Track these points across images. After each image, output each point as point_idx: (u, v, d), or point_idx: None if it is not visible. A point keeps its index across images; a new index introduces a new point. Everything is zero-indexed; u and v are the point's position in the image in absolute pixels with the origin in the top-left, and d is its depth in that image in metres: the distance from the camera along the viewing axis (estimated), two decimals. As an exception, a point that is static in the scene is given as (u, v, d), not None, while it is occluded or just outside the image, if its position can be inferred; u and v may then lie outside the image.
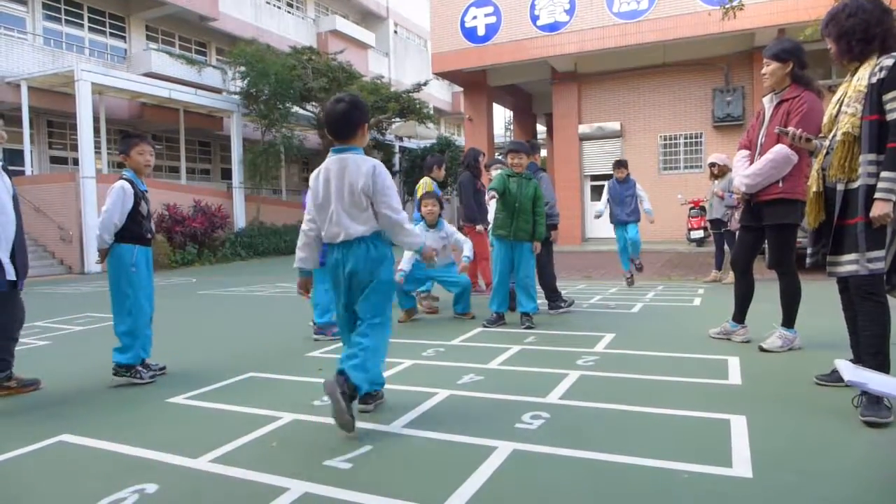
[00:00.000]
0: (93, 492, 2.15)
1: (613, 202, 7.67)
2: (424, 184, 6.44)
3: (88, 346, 5.07)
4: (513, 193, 4.98)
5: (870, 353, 2.77)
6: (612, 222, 7.79)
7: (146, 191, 3.89)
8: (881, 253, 2.67)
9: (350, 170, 2.79)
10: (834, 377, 3.02)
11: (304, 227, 2.99)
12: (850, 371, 2.15)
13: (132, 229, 3.75)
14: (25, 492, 2.22)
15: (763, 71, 3.77)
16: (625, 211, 7.62)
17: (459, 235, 5.39)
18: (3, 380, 3.54)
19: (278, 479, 2.18)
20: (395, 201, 2.85)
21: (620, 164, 7.70)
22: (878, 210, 2.59)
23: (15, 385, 3.58)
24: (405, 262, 5.28)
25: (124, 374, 3.71)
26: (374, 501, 1.99)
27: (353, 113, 2.85)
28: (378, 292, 2.85)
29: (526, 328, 4.95)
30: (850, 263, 2.75)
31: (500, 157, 7.11)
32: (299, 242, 3.03)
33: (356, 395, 2.65)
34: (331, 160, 2.86)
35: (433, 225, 5.35)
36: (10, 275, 3.40)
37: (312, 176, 2.94)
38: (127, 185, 3.73)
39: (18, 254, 3.45)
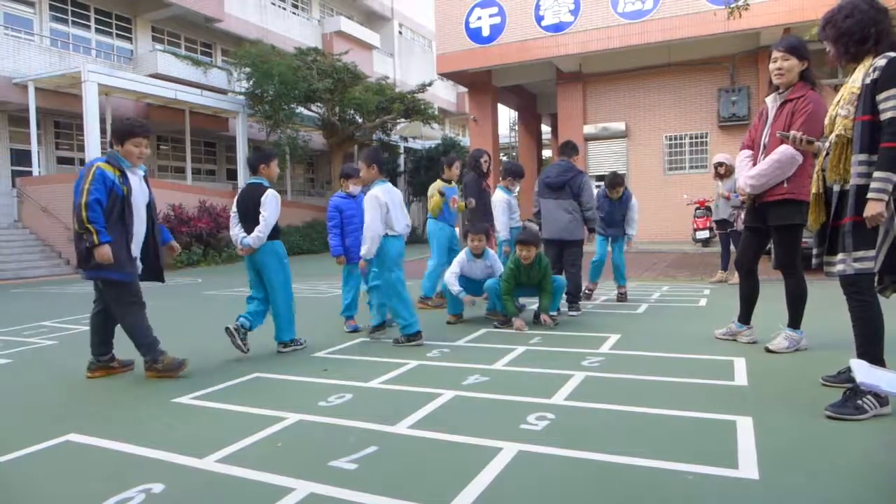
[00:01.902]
0: (99, 491, 2.16)
1: (604, 222, 6.53)
2: (433, 188, 6.46)
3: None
4: (521, 282, 5.09)
5: (858, 352, 2.80)
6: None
7: None
8: (870, 252, 2.67)
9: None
10: (841, 378, 3.02)
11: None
12: (864, 373, 2.12)
13: (279, 229, 4.53)
14: (32, 491, 2.24)
15: (779, 65, 3.61)
16: (614, 229, 6.62)
17: (499, 264, 5.52)
18: (108, 361, 4.02)
19: (284, 479, 2.19)
20: None
21: (616, 183, 6.57)
22: (870, 210, 2.59)
23: (116, 365, 4.05)
24: (452, 273, 5.50)
25: (289, 346, 4.54)
26: (380, 502, 2.00)
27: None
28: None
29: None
30: (839, 263, 2.77)
31: (508, 161, 7.11)
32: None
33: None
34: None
35: (479, 255, 5.45)
36: (133, 273, 3.86)
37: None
38: (277, 193, 4.47)
39: (149, 254, 3.98)
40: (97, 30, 18.52)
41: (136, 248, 3.86)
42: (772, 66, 3.69)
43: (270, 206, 4.35)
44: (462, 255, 5.51)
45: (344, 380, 3.58)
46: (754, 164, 3.81)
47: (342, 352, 4.45)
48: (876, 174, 2.59)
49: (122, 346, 3.98)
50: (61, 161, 17.64)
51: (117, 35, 19.08)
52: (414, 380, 3.55)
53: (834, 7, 2.87)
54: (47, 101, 15.81)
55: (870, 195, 2.59)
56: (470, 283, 5.45)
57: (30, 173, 15.67)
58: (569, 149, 5.98)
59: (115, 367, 4.03)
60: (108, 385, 3.71)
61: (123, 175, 3.75)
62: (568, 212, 5.63)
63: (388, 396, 3.26)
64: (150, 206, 3.99)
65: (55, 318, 6.69)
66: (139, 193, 3.86)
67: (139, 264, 3.93)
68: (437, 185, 6.42)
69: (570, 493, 2.03)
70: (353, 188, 5.42)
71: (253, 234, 4.33)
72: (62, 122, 17.49)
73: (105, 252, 3.59)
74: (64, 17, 17.70)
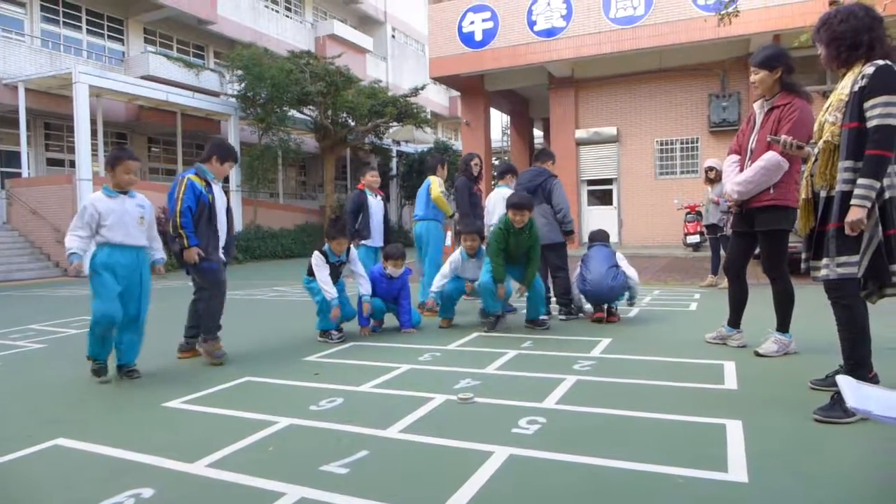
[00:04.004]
0: (89, 496, 2.14)
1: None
2: (439, 182, 6.48)
3: (84, 350, 5.03)
4: (510, 249, 5.03)
5: (844, 356, 2.85)
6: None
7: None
8: (853, 258, 2.69)
9: None
10: (829, 382, 3.05)
11: None
12: (853, 396, 2.06)
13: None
14: (21, 496, 2.22)
15: (752, 79, 3.77)
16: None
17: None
18: (195, 345, 4.52)
19: (275, 483, 2.18)
20: None
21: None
22: (852, 216, 2.62)
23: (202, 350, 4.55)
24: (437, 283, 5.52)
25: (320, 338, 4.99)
26: (371, 506, 1.99)
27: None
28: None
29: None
30: (823, 268, 2.81)
31: (502, 161, 7.10)
32: None
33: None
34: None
35: (473, 255, 5.45)
36: (219, 262, 4.48)
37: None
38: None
39: (228, 247, 4.60)
40: (88, 31, 18.43)
41: (215, 249, 4.43)
42: (750, 80, 3.86)
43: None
44: (456, 255, 5.49)
45: (335, 384, 3.57)
46: (741, 170, 3.85)
47: (333, 356, 4.44)
48: (859, 181, 2.62)
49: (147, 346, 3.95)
50: (51, 163, 17.52)
51: (109, 36, 18.99)
52: (405, 384, 3.55)
53: (831, 10, 2.90)
54: (37, 102, 15.71)
55: (852, 202, 2.62)
56: (461, 282, 5.47)
57: (19, 175, 15.55)
58: (543, 155, 6.03)
59: (199, 352, 4.52)
60: (97, 389, 3.68)
61: (209, 185, 4.36)
62: (542, 216, 5.60)
63: (380, 400, 3.26)
64: (228, 212, 4.62)
65: (43, 322, 6.63)
66: (220, 201, 4.47)
67: (222, 257, 4.56)
68: (438, 181, 6.44)
69: (562, 497, 2.03)
70: (392, 269, 5.35)
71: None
72: (52, 123, 17.38)
73: (192, 254, 4.16)
74: (55, 17, 17.60)
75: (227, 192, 4.78)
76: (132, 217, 3.95)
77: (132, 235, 3.93)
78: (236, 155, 4.69)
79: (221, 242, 4.47)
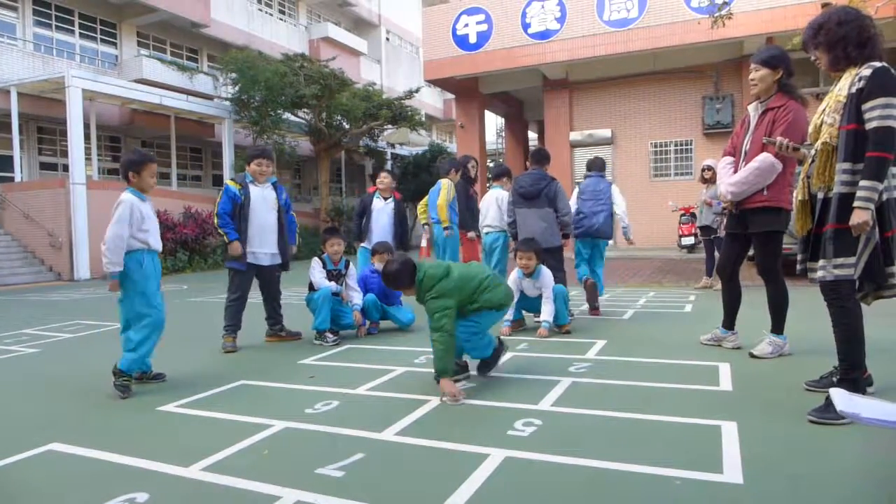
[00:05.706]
0: (83, 501, 2.14)
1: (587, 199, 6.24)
2: (449, 186, 6.45)
3: (78, 354, 5.02)
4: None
5: (839, 357, 2.87)
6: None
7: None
8: (850, 259, 2.71)
9: None
10: (823, 383, 3.06)
11: None
12: (843, 402, 2.08)
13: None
14: (14, 501, 2.20)
15: (752, 77, 3.75)
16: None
17: (548, 281, 4.96)
18: (278, 331, 5.18)
19: (270, 487, 2.18)
20: None
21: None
22: (857, 218, 2.63)
23: (284, 334, 5.18)
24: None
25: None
26: (367, 509, 1.99)
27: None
28: None
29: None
30: (820, 269, 2.82)
31: (496, 164, 7.12)
32: None
33: None
34: None
35: (530, 274, 4.98)
36: (259, 260, 4.94)
37: None
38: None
39: (282, 248, 5.05)
40: (81, 34, 18.35)
41: (256, 244, 4.89)
42: (749, 77, 3.82)
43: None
44: (514, 277, 5.04)
45: (331, 387, 3.57)
46: (736, 171, 3.86)
47: (329, 359, 4.43)
48: (862, 183, 2.62)
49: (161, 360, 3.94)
50: (44, 167, 17.43)
51: (102, 40, 18.92)
52: (401, 386, 3.54)
53: (822, 14, 2.88)
54: (30, 106, 15.63)
55: (856, 204, 2.62)
56: (526, 300, 5.12)
57: (12, 179, 15.47)
58: (541, 157, 5.94)
59: (283, 336, 5.17)
60: (91, 393, 3.66)
61: (244, 187, 4.83)
62: (543, 220, 5.56)
63: (375, 403, 3.26)
64: (279, 212, 4.99)
65: (37, 326, 6.60)
66: (259, 201, 4.88)
67: (276, 256, 5.01)
68: (449, 184, 6.42)
69: (558, 499, 2.03)
70: (378, 265, 5.41)
71: None
72: (45, 127, 17.29)
73: (235, 246, 4.73)
74: (48, 21, 17.53)
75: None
76: (157, 222, 3.95)
77: (160, 241, 3.92)
78: (262, 151, 5.02)
79: (266, 241, 4.90)
